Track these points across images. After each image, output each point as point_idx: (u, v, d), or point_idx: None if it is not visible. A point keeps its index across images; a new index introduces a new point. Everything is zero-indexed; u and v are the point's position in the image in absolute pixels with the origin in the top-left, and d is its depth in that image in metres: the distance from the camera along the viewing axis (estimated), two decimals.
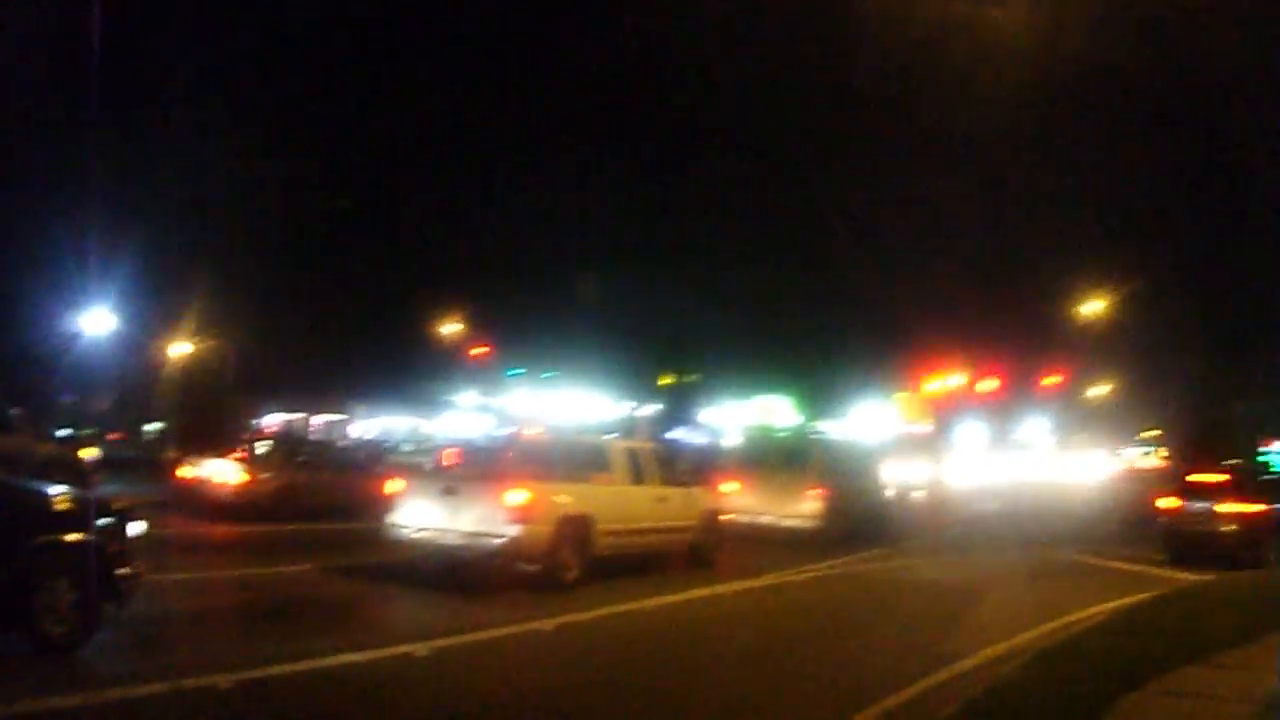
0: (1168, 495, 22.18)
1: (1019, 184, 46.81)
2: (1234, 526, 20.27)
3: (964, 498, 29.64)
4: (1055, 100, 36.84)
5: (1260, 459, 49.56)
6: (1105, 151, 45.44)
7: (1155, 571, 18.62)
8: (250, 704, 7.62)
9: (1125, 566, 19.42)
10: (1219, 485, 21.36)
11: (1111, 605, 13.56)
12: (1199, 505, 20.99)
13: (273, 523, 19.36)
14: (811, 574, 17.03)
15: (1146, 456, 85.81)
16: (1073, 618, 12.84)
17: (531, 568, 13.39)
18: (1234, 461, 26.51)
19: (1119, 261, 45.58)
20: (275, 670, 8.30)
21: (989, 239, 51.20)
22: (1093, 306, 43.93)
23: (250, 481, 20.55)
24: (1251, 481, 22.17)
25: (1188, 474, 22.78)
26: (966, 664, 10.03)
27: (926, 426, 50.78)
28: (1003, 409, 58.72)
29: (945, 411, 53.19)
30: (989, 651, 10.66)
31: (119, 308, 35.30)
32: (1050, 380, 55.53)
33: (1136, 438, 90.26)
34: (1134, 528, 25.92)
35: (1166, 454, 64.85)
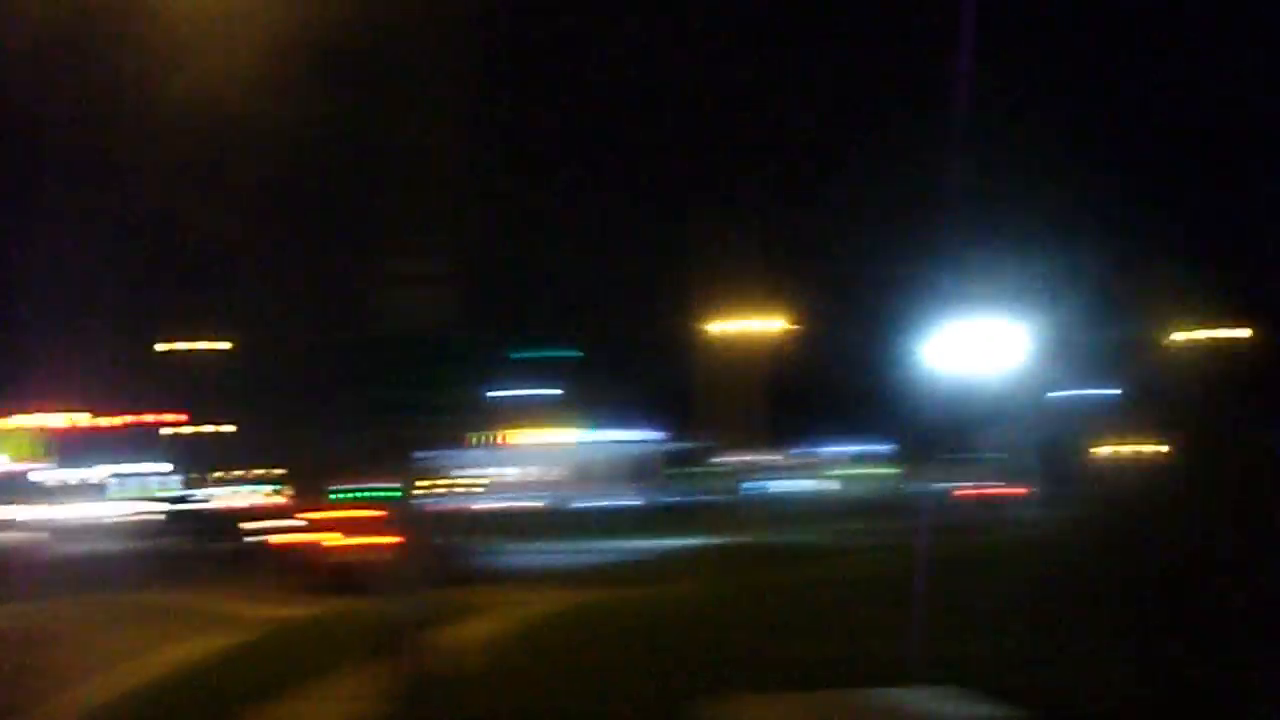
0: (307, 530, 22.95)
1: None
2: (371, 557, 20.82)
3: (80, 537, 28.27)
4: None
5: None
6: None
7: (247, 610, 18.67)
8: None
9: (219, 606, 19.47)
10: (360, 520, 21.92)
11: (196, 646, 13.48)
12: (332, 538, 21.75)
13: None
14: None
15: (265, 494, 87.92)
16: (155, 658, 12.64)
17: None
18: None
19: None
20: None
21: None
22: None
23: None
24: (396, 514, 23.16)
25: (322, 510, 23.39)
26: None
27: (40, 463, 47.49)
28: (132, 444, 56.93)
29: (65, 447, 50.22)
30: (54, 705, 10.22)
31: None
32: (172, 419, 54.47)
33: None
34: (238, 563, 26.42)
35: (284, 490, 66.95)
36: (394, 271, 7.86)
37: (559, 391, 62.37)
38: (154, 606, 19.56)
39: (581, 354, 55.94)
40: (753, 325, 26.65)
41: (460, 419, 7.96)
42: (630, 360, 64.84)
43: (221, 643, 13.64)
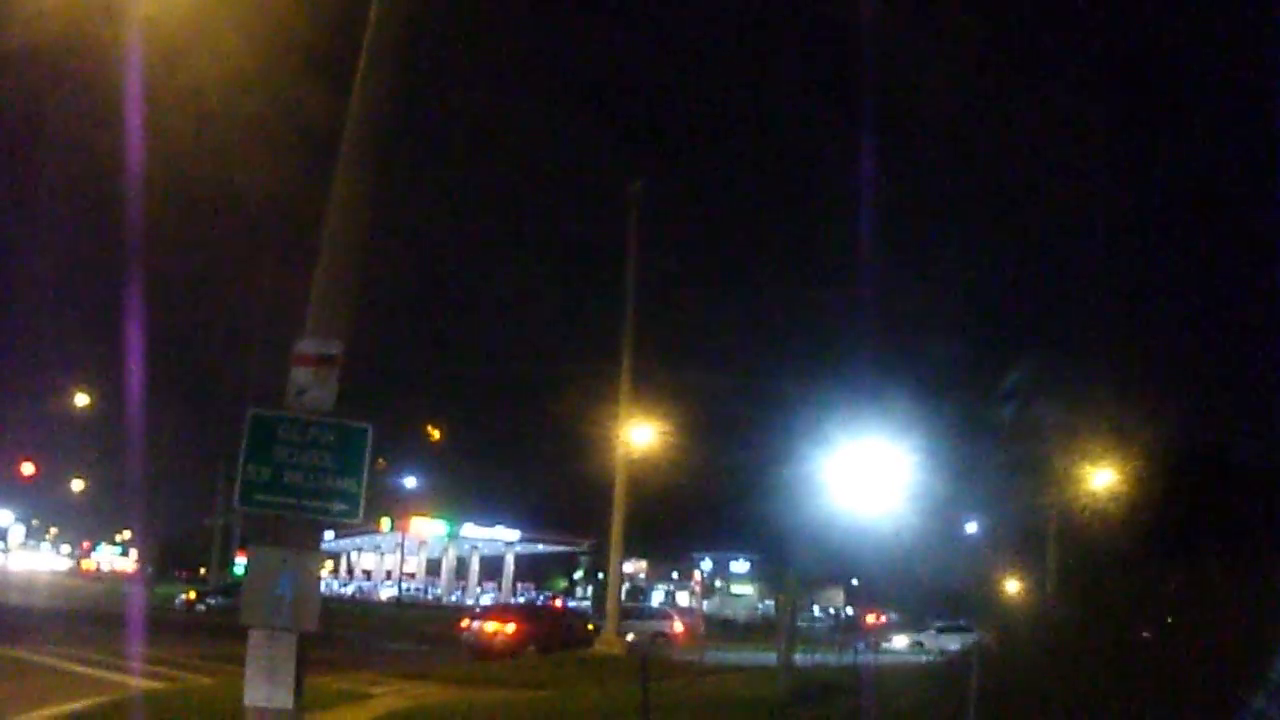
0: None
1: None
2: None
3: None
4: None
5: (232, 569, 51.92)
6: None
7: (111, 675, 17.46)
8: None
9: (79, 669, 18.09)
10: None
11: (52, 710, 12.68)
12: None
13: None
14: None
15: (120, 557, 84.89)
16: None
17: None
18: None
19: None
20: None
21: None
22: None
23: None
24: None
25: None
26: None
27: None
28: None
29: None
30: None
31: None
32: (24, 468, 50.55)
33: (115, 539, 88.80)
34: (102, 627, 25.65)
35: (138, 558, 64.39)
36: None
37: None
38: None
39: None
40: (636, 434, 26.48)
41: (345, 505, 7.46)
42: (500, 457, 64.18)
43: (77, 706, 12.98)
